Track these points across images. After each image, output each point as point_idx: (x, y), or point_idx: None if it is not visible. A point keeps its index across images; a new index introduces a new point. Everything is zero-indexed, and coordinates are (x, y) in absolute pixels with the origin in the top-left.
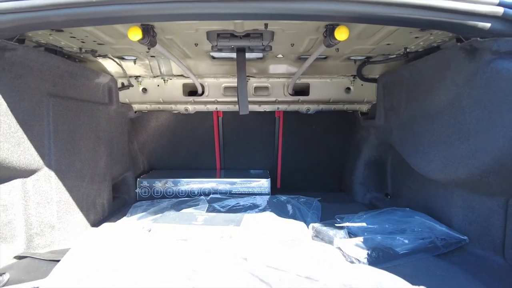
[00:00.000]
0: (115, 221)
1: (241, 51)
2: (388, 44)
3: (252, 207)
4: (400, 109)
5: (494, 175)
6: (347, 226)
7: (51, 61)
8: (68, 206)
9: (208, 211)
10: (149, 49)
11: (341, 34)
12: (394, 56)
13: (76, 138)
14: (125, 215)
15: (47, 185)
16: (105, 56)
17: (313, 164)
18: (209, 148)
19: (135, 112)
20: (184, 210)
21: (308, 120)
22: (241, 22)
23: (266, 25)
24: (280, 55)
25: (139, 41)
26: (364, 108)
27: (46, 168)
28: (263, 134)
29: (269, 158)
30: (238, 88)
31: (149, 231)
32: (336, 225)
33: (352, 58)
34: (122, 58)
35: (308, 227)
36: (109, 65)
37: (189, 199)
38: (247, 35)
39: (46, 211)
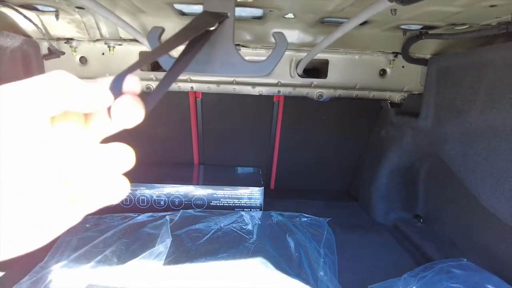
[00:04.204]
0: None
1: None
2: (493, 6)
3: (237, 241)
4: (471, 114)
5: None
6: None
7: None
8: None
9: (169, 251)
10: None
11: None
12: (483, 26)
13: None
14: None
15: None
16: (2, 3)
17: (317, 162)
18: (184, 137)
19: None
20: (131, 262)
21: (316, 106)
22: None
23: None
24: (290, 15)
25: None
26: (397, 97)
27: None
28: (256, 121)
29: (262, 151)
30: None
31: None
32: None
33: (403, 27)
34: (34, 9)
35: None
36: (24, 19)
37: (150, 219)
38: None
39: None
